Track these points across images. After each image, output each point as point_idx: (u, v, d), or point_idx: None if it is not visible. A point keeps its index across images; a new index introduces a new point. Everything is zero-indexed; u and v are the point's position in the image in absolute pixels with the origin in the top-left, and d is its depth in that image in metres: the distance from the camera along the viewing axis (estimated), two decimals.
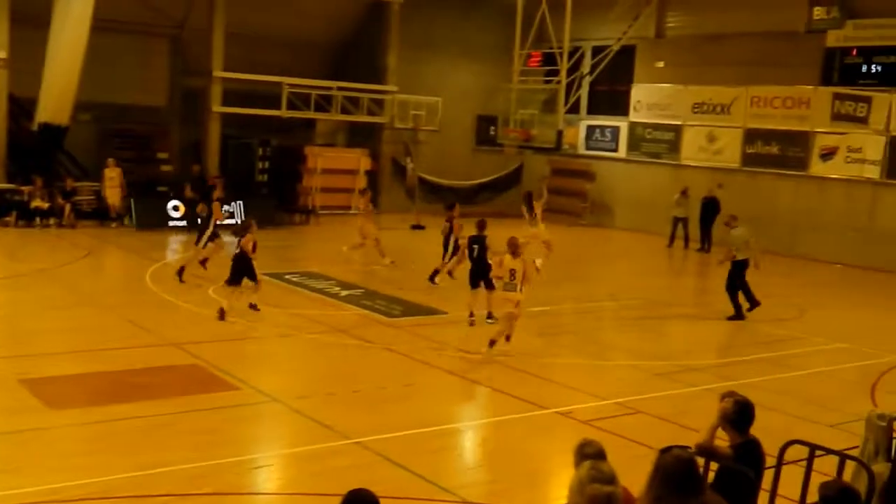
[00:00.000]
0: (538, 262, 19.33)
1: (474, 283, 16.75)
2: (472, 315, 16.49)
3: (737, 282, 18.54)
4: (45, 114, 26.14)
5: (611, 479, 4.65)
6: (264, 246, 22.55)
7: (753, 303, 18.69)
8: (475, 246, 16.92)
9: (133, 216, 26.39)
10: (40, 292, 17.31)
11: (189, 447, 9.66)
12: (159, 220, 26.57)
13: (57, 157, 27.65)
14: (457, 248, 18.95)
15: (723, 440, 6.69)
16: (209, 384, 12.08)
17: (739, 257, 18.48)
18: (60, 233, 24.74)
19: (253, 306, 16.40)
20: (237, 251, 16.50)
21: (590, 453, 5.38)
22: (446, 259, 19.50)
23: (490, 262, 16.16)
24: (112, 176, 26.80)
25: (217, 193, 21.80)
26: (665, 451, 5.22)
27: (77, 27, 25.19)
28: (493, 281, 15.75)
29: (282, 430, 10.83)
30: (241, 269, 16.17)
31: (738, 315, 18.41)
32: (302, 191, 31.22)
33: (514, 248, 14.48)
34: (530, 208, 22.70)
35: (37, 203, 25.44)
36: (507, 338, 14.48)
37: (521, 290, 14.28)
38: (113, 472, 8.83)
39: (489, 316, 16.40)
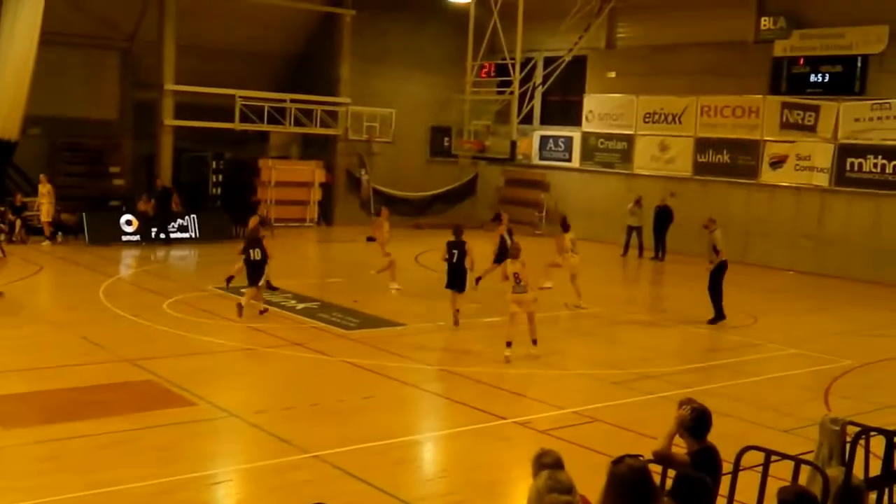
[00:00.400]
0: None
1: (451, 286, 17.45)
2: (457, 312, 17.33)
3: (720, 283, 18.75)
4: None
5: (569, 489, 4.68)
6: (219, 261, 22.50)
7: (720, 313, 18.96)
8: (454, 251, 17.51)
9: (85, 231, 26.09)
10: None
11: (146, 464, 9.55)
12: (112, 235, 26.30)
13: (6, 172, 27.26)
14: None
15: (680, 447, 6.75)
16: (165, 400, 11.97)
17: (713, 259, 18.82)
18: (11, 249, 24.39)
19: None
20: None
21: (547, 463, 5.40)
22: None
23: (466, 266, 17.52)
24: (44, 192, 26.08)
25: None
26: (617, 461, 5.25)
27: (25, 41, 24.88)
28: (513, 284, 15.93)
29: (240, 445, 10.75)
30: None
31: (720, 316, 18.65)
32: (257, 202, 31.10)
33: (515, 253, 15.33)
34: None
35: None
36: (534, 342, 15.22)
37: (528, 289, 15.28)
38: (68, 491, 8.72)
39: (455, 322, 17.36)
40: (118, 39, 30.67)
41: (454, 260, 17.49)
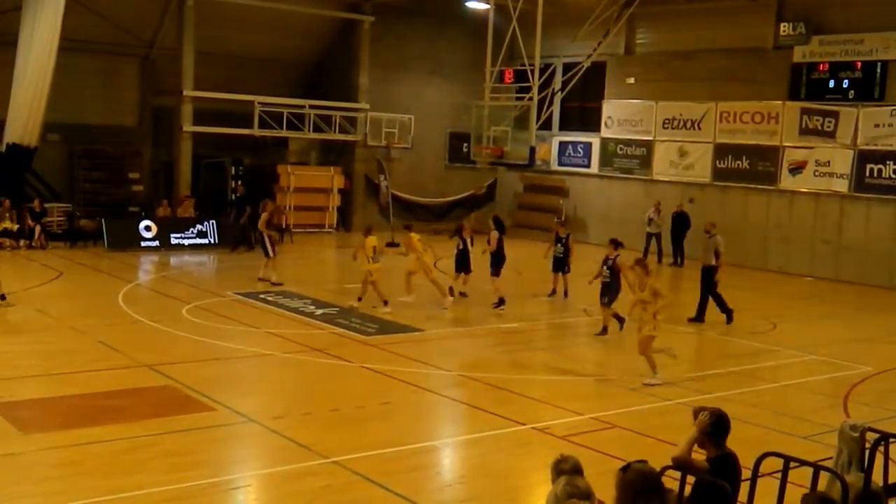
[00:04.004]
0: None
1: (460, 270, 20.52)
2: (459, 294, 20.17)
3: (714, 286, 18.90)
4: (13, 135, 25.95)
5: (587, 495, 4.69)
6: (237, 266, 22.58)
7: (701, 315, 19.20)
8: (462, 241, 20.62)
9: (104, 237, 26.24)
10: (11, 315, 17.18)
11: (164, 469, 9.59)
12: (131, 241, 26.44)
13: (26, 178, 27.44)
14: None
15: (699, 454, 6.73)
16: (184, 405, 12.00)
17: (714, 263, 18.86)
18: (30, 254, 24.57)
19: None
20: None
21: (566, 469, 5.41)
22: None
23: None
24: None
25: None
26: (624, 468, 5.28)
27: (45, 48, 25.07)
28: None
29: (259, 450, 10.77)
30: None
31: (701, 318, 19.01)
32: (276, 210, 31.15)
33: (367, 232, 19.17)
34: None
35: (6, 225, 25.28)
36: (359, 299, 18.82)
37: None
38: (87, 496, 8.75)
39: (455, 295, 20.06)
40: (137, 46, 30.85)
41: (461, 247, 20.49)
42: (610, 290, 17.70)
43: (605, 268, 17.81)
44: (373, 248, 19.09)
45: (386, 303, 18.89)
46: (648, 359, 14.17)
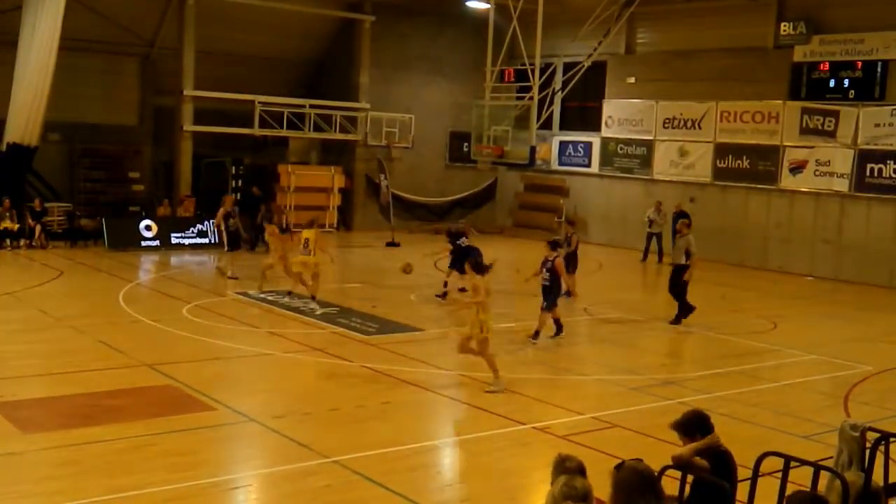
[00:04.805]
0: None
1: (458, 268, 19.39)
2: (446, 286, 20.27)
3: (684, 284, 18.89)
4: (13, 134, 25.94)
5: (584, 496, 4.69)
6: (238, 266, 22.59)
7: (681, 314, 19.12)
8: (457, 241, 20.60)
9: (105, 236, 26.24)
10: (11, 315, 17.18)
11: (165, 469, 9.59)
12: (131, 241, 26.44)
13: (26, 177, 27.44)
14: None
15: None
16: (184, 405, 12.00)
17: (685, 262, 18.80)
18: (31, 254, 24.58)
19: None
20: None
21: (571, 468, 5.41)
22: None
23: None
24: None
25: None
26: (618, 466, 5.29)
27: (45, 47, 25.07)
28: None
29: (259, 450, 10.77)
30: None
31: (683, 315, 18.86)
32: (276, 209, 31.14)
33: (309, 224, 19.33)
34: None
35: (6, 224, 25.27)
36: (312, 297, 19.03)
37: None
38: (88, 496, 8.76)
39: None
40: (138, 46, 30.86)
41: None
42: (550, 294, 16.75)
43: (544, 270, 16.84)
44: (306, 240, 19.05)
45: (314, 297, 18.98)
46: (490, 362, 13.33)
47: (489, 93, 29.16)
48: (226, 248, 23.19)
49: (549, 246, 17.28)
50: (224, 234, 23.13)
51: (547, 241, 17.78)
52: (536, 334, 16.73)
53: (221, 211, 23.34)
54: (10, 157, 26.20)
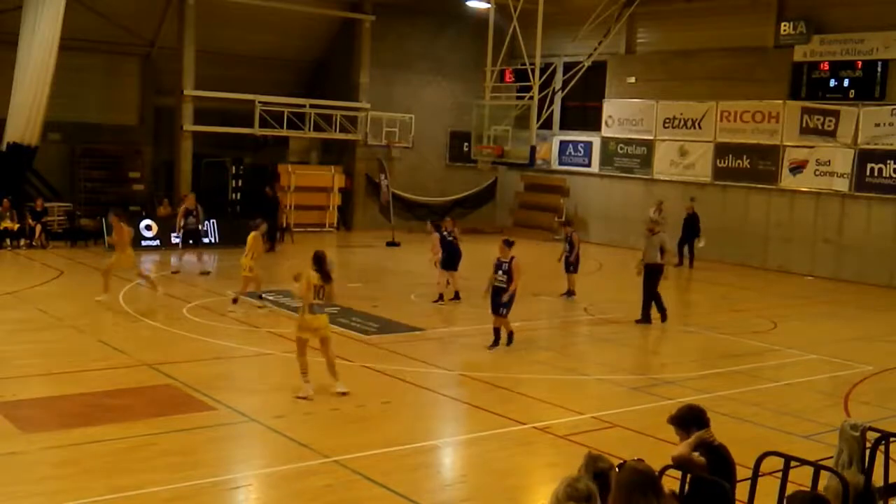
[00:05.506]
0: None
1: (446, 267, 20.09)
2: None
3: (656, 286, 18.84)
4: (13, 134, 25.95)
5: (587, 497, 4.68)
6: (238, 266, 22.54)
7: (664, 311, 19.08)
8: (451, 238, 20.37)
9: (105, 236, 26.21)
10: (11, 314, 17.18)
11: (165, 468, 9.59)
12: (132, 240, 26.32)
13: (26, 177, 27.44)
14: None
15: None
16: (185, 405, 12.01)
17: (660, 261, 18.77)
18: (31, 254, 24.57)
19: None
20: None
21: (603, 468, 5.43)
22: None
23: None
24: None
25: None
26: (619, 466, 5.31)
27: (46, 47, 25.08)
28: None
29: (259, 449, 10.78)
30: None
31: (647, 319, 18.80)
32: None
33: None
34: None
35: (6, 224, 25.27)
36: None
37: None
38: (88, 496, 8.76)
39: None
40: (138, 45, 30.87)
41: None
42: (506, 296, 15.71)
43: (499, 272, 15.85)
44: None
45: (235, 300, 18.64)
46: (302, 364, 12.79)
47: (489, 92, 29.15)
48: (180, 245, 24.30)
49: (505, 244, 16.06)
50: (180, 231, 24.06)
51: (503, 239, 16.47)
52: (496, 341, 16.12)
53: (182, 209, 24.01)
54: (10, 156, 26.21)
